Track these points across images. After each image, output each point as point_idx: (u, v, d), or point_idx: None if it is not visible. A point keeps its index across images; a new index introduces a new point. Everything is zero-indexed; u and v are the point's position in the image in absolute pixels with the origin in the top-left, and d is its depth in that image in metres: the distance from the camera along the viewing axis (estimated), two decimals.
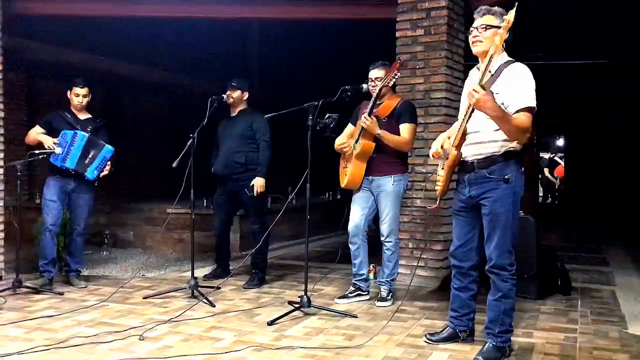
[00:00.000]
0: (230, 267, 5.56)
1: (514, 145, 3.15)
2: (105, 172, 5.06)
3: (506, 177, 3.15)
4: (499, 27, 3.03)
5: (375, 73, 4.48)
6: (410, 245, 5.29)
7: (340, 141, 4.67)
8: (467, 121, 3.13)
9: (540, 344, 3.59)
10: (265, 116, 4.77)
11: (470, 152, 3.25)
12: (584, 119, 12.74)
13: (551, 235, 8.89)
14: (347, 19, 6.05)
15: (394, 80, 4.38)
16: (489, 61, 2.97)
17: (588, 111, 12.39)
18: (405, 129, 4.43)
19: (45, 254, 4.96)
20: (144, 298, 4.66)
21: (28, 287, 4.75)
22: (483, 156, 3.20)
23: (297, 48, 10.67)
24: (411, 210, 5.26)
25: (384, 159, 4.45)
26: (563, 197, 15.34)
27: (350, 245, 4.64)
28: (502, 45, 3.06)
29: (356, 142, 4.47)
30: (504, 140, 3.14)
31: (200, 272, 5.44)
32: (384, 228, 4.51)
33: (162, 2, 5.88)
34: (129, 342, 3.54)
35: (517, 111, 3.05)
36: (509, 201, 3.17)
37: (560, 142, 18.64)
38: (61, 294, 4.78)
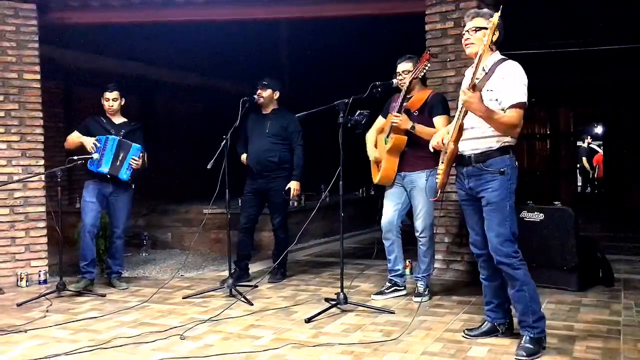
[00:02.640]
0: (251, 271, 5.58)
1: (508, 139, 3.29)
2: (134, 166, 5.05)
3: (502, 169, 3.26)
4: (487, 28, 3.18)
5: (402, 66, 4.46)
6: (446, 240, 5.25)
7: (370, 136, 4.67)
8: (463, 117, 3.26)
9: (582, 336, 3.53)
10: (297, 115, 4.79)
11: (468, 147, 3.35)
12: (624, 105, 12.41)
13: (592, 225, 8.70)
14: (375, 15, 6.03)
15: (424, 71, 4.34)
16: (479, 62, 3.11)
17: (627, 97, 12.06)
18: (439, 121, 4.38)
19: (85, 255, 5.07)
20: (183, 298, 4.75)
21: (71, 290, 4.88)
22: (480, 151, 3.32)
23: (327, 46, 10.66)
24: (446, 204, 5.21)
25: (416, 153, 4.41)
26: (603, 185, 14.98)
27: (384, 241, 4.63)
28: (491, 45, 3.25)
29: (387, 136, 4.44)
30: (500, 135, 3.27)
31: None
32: (418, 223, 4.49)
33: (193, 6, 5.95)
34: (170, 341, 3.61)
35: (509, 107, 3.18)
36: (505, 192, 3.28)
37: (598, 129, 18.21)
38: (103, 295, 4.89)
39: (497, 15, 3.07)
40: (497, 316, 3.53)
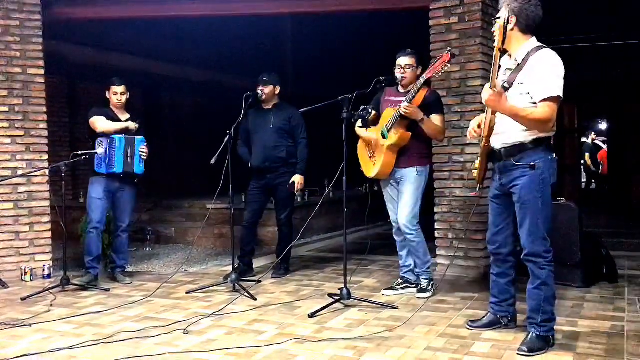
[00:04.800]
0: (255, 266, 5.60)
1: (542, 133, 3.14)
2: (144, 157, 5.18)
3: (532, 163, 3.13)
4: (507, 17, 3.10)
5: (405, 60, 4.41)
6: (450, 236, 5.25)
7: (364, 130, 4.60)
8: (493, 113, 3.15)
9: (585, 332, 3.52)
10: (300, 110, 4.78)
11: (498, 141, 3.26)
12: (628, 101, 12.35)
13: (597, 221, 8.67)
14: (380, 10, 6.02)
15: (442, 71, 4.17)
16: (495, 60, 3.01)
17: (632, 92, 12.01)
18: (438, 119, 4.37)
19: (91, 251, 5.09)
20: (187, 293, 4.75)
21: (75, 285, 4.90)
22: (510, 145, 3.21)
23: (331, 41, 10.66)
24: (450, 200, 5.21)
25: (411, 150, 4.38)
26: (608, 181, 14.93)
27: (395, 237, 4.61)
28: (524, 31, 3.13)
29: (388, 131, 4.38)
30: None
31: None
32: (402, 220, 4.40)
33: (198, 1, 5.95)
34: (174, 336, 3.62)
35: (541, 101, 3.04)
36: (537, 188, 3.15)
37: (602, 125, 18.15)
38: (107, 290, 4.91)
39: (501, 15, 3.03)
40: (500, 309, 3.55)
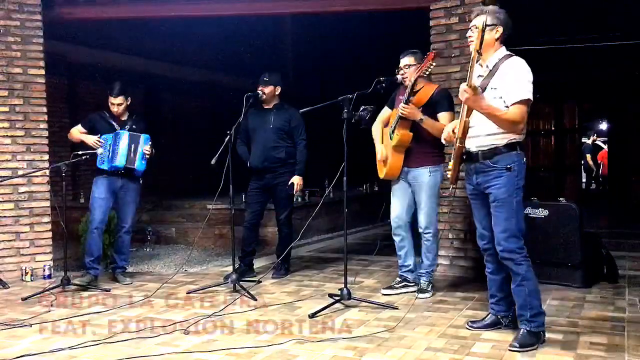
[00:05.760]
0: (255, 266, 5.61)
1: (515, 136, 3.32)
2: (148, 155, 5.16)
3: (508, 166, 3.30)
4: (493, 25, 3.31)
5: (405, 60, 4.43)
6: (450, 236, 5.25)
7: (376, 130, 4.63)
8: (467, 116, 3.29)
9: (586, 332, 3.52)
10: (300, 111, 4.78)
11: (474, 144, 3.39)
12: (629, 101, 12.36)
13: (597, 221, 8.68)
14: (380, 10, 6.02)
15: (428, 70, 4.28)
16: (472, 63, 3.19)
17: (632, 92, 12.03)
18: (444, 117, 4.35)
19: (92, 251, 5.09)
20: (187, 293, 4.75)
21: (76, 285, 4.90)
22: (487, 148, 3.36)
23: (331, 41, 10.66)
24: (451, 200, 5.20)
25: (421, 149, 4.39)
26: (608, 182, 14.93)
27: (394, 237, 4.62)
28: (498, 41, 3.34)
29: (392, 131, 4.41)
30: (506, 132, 3.30)
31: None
32: (422, 220, 4.47)
33: (198, 1, 5.95)
34: (174, 336, 3.62)
35: (512, 104, 3.22)
36: (512, 188, 3.32)
37: (603, 125, 18.16)
38: (108, 290, 4.90)
39: (481, 19, 3.18)
40: (500, 309, 3.57)
